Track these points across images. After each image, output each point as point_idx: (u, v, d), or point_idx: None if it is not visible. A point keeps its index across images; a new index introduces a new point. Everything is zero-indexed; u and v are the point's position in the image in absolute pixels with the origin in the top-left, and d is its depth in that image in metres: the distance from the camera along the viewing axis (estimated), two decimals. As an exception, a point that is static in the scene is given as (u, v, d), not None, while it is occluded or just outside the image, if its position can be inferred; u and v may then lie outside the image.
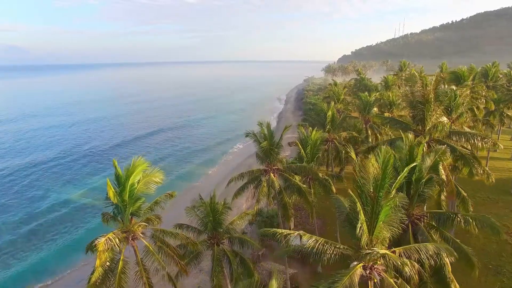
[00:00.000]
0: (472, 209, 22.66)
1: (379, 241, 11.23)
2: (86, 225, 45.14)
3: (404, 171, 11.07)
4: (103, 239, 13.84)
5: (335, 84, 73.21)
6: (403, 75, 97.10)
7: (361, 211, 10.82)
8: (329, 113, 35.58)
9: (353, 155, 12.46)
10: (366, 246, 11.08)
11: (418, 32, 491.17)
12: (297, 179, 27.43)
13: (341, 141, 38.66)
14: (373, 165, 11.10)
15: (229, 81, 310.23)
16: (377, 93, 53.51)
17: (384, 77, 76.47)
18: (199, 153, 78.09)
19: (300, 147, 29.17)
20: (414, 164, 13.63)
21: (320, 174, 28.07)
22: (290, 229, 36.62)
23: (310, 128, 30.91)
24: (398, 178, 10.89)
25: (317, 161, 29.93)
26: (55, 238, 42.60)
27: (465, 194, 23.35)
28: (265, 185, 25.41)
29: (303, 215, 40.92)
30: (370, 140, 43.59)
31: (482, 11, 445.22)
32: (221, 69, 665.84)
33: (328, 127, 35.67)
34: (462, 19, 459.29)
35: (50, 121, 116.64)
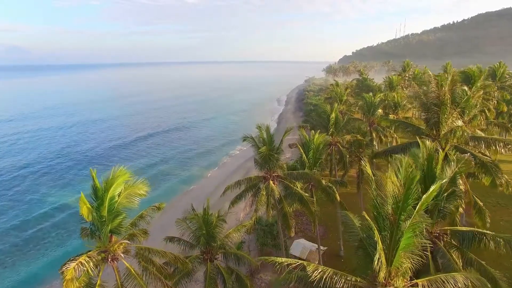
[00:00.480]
0: (489, 221, 20.83)
1: (399, 273, 9.32)
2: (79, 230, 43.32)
3: (432, 189, 9.03)
4: (73, 265, 11.76)
5: (337, 84, 71.36)
6: (407, 75, 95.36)
7: (379, 240, 8.89)
8: (333, 115, 33.56)
9: (369, 171, 10.50)
10: (385, 280, 9.22)
11: (419, 32, 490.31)
12: (298, 186, 25.54)
13: (345, 145, 36.68)
14: (393, 182, 9.21)
15: (229, 81, 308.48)
16: (382, 94, 51.53)
17: (388, 77, 74.56)
18: (199, 155, 76.71)
19: (302, 151, 27.19)
20: (445, 180, 11.62)
21: (324, 181, 26.12)
22: (291, 237, 35.13)
23: (312, 131, 28.95)
24: (424, 197, 8.90)
25: (320, 166, 27.93)
26: (47, 245, 40.96)
27: (481, 204, 21.52)
28: (264, 193, 23.50)
29: (304, 221, 39.08)
30: (374, 143, 41.63)
31: (484, 12, 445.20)
32: (221, 69, 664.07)
33: (331, 130, 33.65)
34: (464, 20, 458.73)
35: (49, 122, 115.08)
